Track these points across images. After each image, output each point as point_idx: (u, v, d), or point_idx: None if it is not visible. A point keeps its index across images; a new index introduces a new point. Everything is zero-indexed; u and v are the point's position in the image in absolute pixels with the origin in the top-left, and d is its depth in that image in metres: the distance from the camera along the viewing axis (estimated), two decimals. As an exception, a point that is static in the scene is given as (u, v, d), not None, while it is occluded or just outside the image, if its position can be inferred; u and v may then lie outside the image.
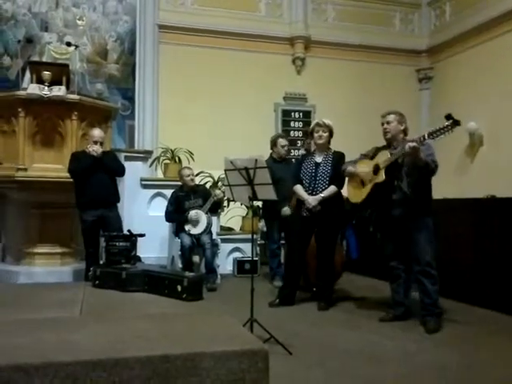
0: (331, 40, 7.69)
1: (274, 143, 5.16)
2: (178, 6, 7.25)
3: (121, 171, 4.69)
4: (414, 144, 3.26)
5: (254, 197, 3.22)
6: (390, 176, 3.52)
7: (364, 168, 3.71)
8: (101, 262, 4.21)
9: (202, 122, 7.00)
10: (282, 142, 5.10)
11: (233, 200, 3.62)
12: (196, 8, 7.28)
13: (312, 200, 4.00)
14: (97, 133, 4.54)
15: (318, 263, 4.16)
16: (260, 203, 5.01)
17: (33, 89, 4.57)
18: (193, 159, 5.93)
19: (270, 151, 5.15)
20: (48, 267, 4.80)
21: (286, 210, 4.68)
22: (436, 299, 3.52)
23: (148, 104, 7.05)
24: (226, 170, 3.31)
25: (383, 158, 3.57)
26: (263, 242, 6.03)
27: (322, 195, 4.01)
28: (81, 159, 4.44)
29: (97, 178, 4.44)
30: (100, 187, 4.46)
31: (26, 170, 4.63)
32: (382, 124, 3.66)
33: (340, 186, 4.08)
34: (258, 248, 5.55)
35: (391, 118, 3.62)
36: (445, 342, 3.22)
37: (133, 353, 2.06)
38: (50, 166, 4.70)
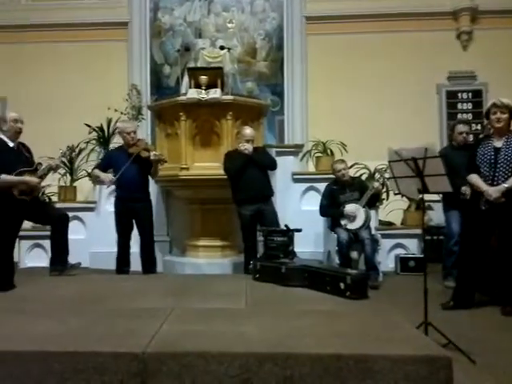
0: (503, 7, 6.71)
1: (452, 130, 4.81)
2: (325, -6, 7.09)
3: (272, 165, 4.74)
4: None
5: (424, 189, 2.93)
6: None
7: None
8: (258, 256, 4.26)
9: (353, 112, 6.72)
10: (459, 128, 4.66)
11: (399, 193, 3.35)
12: (344, -7, 7.04)
13: (493, 191, 3.48)
14: (248, 132, 4.65)
15: (501, 263, 3.62)
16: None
17: (192, 93, 4.86)
18: (346, 151, 5.71)
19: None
20: (210, 259, 5.06)
21: (466, 190, 4.03)
22: None
23: (297, 98, 7.04)
24: (390, 161, 3.11)
25: None
26: (429, 237, 5.56)
27: (506, 185, 3.46)
28: (234, 158, 4.59)
29: (251, 174, 4.55)
30: (255, 182, 4.56)
31: (188, 169, 4.94)
32: None
33: None
34: (423, 244, 5.12)
35: None
36: None
37: (303, 349, 2.01)
38: (209, 165, 4.92)
